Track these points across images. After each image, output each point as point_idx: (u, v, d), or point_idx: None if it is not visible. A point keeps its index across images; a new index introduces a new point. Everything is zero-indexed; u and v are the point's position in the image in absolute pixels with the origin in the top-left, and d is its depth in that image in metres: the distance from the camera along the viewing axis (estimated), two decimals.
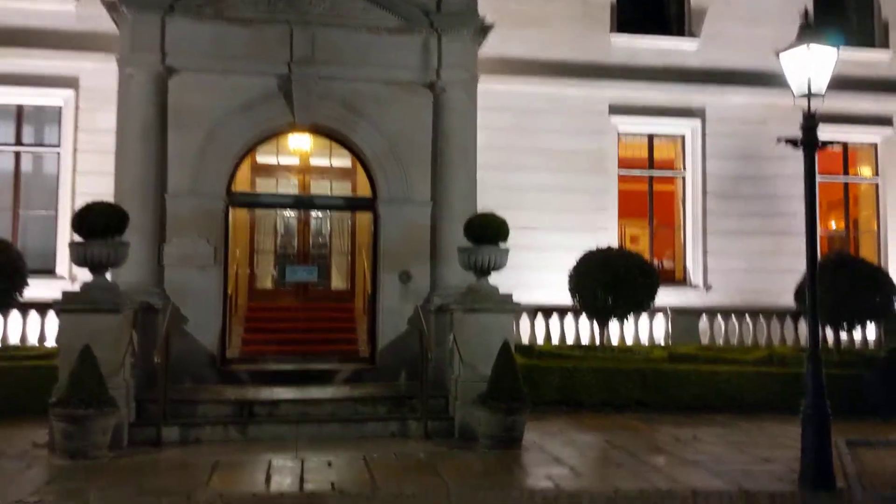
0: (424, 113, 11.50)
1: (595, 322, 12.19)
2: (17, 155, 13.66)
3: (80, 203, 9.64)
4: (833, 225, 16.12)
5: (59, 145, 13.55)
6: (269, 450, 8.39)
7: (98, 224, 8.68)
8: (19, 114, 13.65)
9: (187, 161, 10.98)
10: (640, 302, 11.69)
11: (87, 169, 13.06)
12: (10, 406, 9.70)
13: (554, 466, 7.89)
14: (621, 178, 14.74)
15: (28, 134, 13.84)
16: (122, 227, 8.91)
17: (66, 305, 8.60)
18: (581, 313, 12.96)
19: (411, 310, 11.22)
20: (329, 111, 11.27)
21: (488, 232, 9.27)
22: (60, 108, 13.51)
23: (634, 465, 7.98)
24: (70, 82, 13.30)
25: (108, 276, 9.16)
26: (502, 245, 9.47)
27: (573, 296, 12.05)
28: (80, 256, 8.68)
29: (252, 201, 12.22)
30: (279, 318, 13.41)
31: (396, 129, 11.40)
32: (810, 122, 7.63)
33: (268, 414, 9.31)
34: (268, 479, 7.30)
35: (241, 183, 13.39)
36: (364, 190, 12.78)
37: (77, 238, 8.86)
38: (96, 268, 8.77)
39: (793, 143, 7.67)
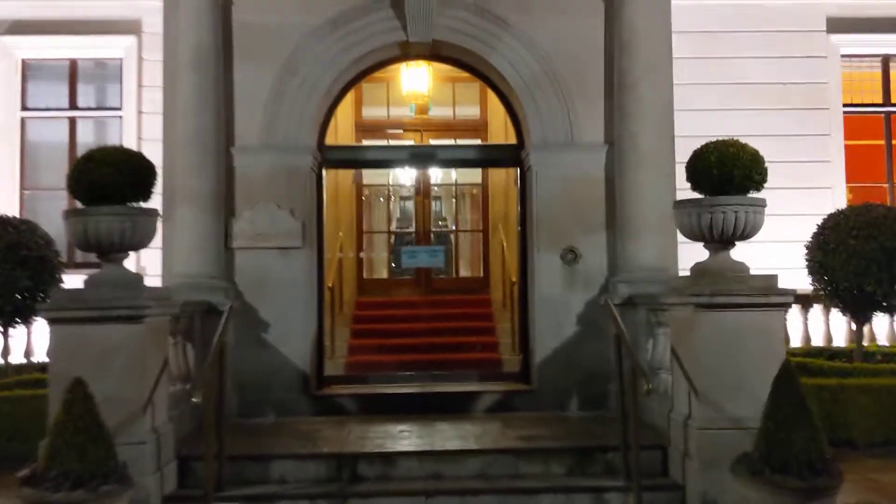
0: (593, 17, 7.56)
1: (850, 316, 7.91)
2: (72, 122, 10.57)
3: None
4: None
5: (120, 108, 10.41)
6: None
7: (102, 181, 5.18)
8: (73, 71, 10.55)
9: (260, 102, 7.45)
10: None
11: (155, 135, 9.84)
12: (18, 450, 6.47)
13: None
14: (847, 119, 10.36)
15: (85, 95, 10.72)
16: (145, 183, 5.39)
17: (57, 312, 5.14)
18: (812, 303, 8.77)
19: (581, 304, 7.40)
20: (456, 21, 7.46)
21: (735, 172, 5.23)
22: (121, 60, 10.35)
23: None
24: (131, 27, 10.14)
25: (134, 263, 5.70)
26: (753, 194, 5.43)
27: (817, 278, 7.82)
28: (77, 234, 5.20)
29: (353, 158, 8.50)
30: (395, 317, 9.79)
31: (553, 43, 7.50)
32: None
33: (380, 476, 5.59)
34: None
35: (340, 137, 9.85)
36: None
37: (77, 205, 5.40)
38: (105, 251, 5.29)
39: None
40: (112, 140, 10.47)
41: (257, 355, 7.23)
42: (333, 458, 5.65)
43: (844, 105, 10.29)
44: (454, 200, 11.46)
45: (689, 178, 5.54)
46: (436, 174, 11.32)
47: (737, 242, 5.47)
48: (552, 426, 6.51)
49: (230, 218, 7.38)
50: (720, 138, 8.26)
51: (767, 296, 5.22)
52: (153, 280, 7.40)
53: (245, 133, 7.46)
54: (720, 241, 5.40)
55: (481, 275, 11.12)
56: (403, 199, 11.82)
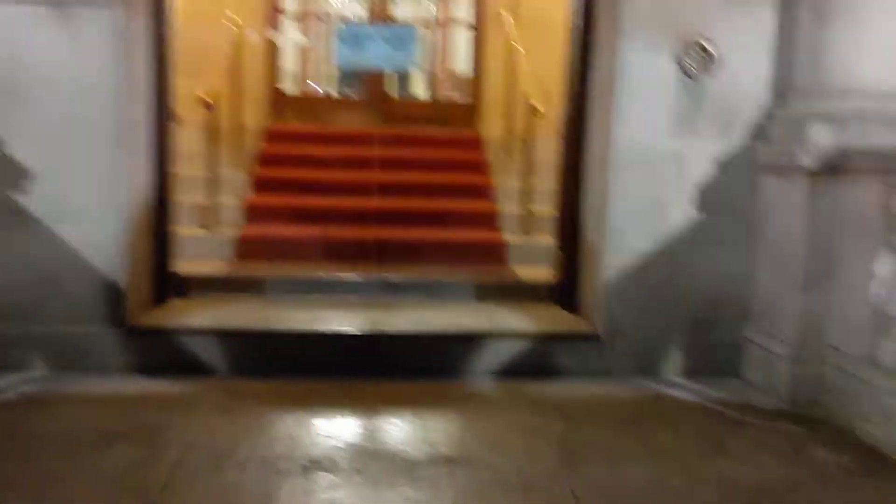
0: None
1: None
2: None
3: None
4: None
5: None
6: None
7: None
8: None
9: None
10: None
11: None
12: None
13: None
14: None
15: None
16: None
17: None
18: None
19: (706, 162, 3.42)
20: None
21: None
22: None
23: None
24: None
25: None
26: None
27: None
28: None
29: None
30: (327, 160, 5.65)
31: None
32: None
33: None
34: None
35: None
36: None
37: None
38: None
39: None
40: None
41: (11, 242, 3.17)
42: None
43: None
44: None
45: None
46: None
47: None
48: (647, 445, 2.68)
49: None
50: None
51: None
52: None
53: None
54: None
55: (470, 99, 6.87)
56: None
